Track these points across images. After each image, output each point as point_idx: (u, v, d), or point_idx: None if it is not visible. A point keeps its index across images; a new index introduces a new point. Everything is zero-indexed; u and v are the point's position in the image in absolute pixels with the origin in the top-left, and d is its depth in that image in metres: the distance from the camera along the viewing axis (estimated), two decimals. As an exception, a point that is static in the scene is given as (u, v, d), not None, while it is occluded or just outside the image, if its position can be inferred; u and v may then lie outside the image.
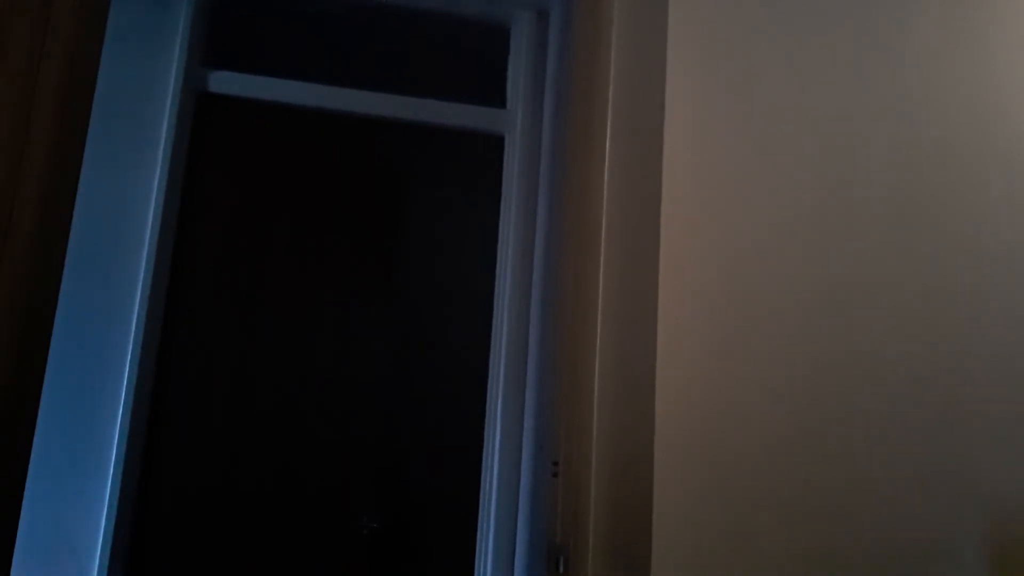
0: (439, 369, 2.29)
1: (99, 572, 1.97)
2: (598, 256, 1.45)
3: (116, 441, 2.03)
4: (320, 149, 2.35)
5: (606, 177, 1.47)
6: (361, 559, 2.16)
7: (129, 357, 2.07)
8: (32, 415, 1.26)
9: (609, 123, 1.49)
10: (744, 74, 1.52)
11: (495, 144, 2.42)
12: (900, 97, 1.57)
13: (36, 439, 1.98)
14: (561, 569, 1.46)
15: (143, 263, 2.12)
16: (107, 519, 1.99)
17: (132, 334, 2.09)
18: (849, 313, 1.47)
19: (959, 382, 1.48)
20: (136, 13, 2.25)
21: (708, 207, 1.46)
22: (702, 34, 1.52)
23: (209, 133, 2.30)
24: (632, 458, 1.36)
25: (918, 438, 1.45)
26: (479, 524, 2.20)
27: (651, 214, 1.44)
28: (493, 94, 2.46)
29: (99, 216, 2.13)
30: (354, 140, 2.37)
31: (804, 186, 1.50)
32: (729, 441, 1.38)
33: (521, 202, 2.34)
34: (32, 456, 1.31)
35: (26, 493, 1.30)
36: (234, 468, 2.14)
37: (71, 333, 2.06)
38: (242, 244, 2.26)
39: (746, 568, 1.34)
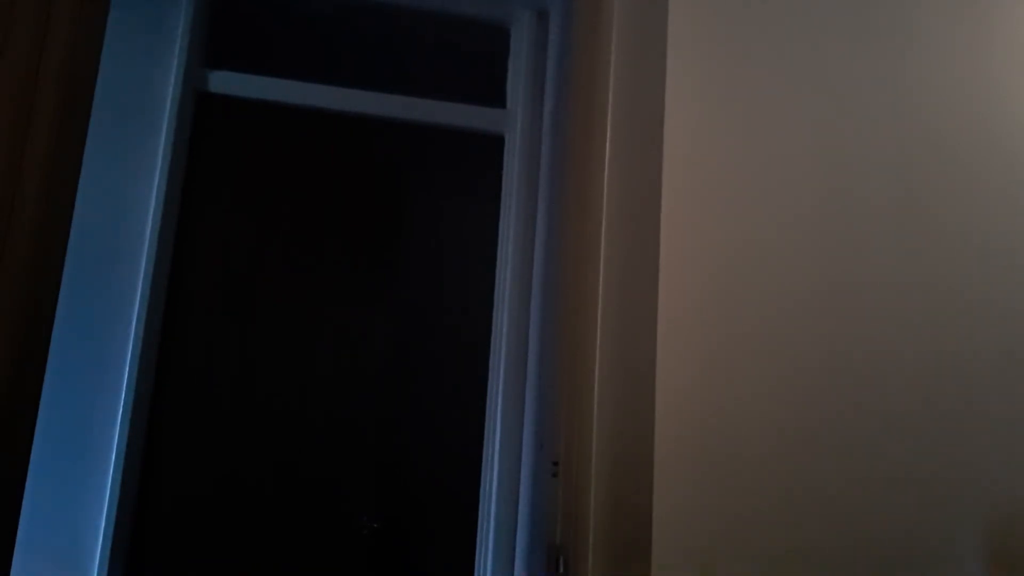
0: (439, 369, 2.29)
1: (99, 572, 1.97)
2: (598, 256, 1.45)
3: (116, 441, 2.03)
4: (320, 149, 2.35)
5: (606, 177, 1.47)
6: (361, 558, 2.16)
7: (129, 357, 2.07)
8: (32, 415, 1.26)
9: (609, 123, 1.49)
10: (744, 74, 1.52)
11: (495, 144, 2.42)
12: (901, 96, 1.58)
13: (36, 439, 1.99)
14: (561, 569, 1.46)
15: (143, 263, 2.12)
16: (107, 519, 1.99)
17: (132, 334, 2.09)
18: (849, 313, 1.47)
19: (959, 382, 1.49)
20: (136, 13, 2.25)
21: (708, 207, 1.46)
22: (702, 34, 1.52)
23: (209, 133, 2.30)
24: (632, 458, 1.36)
25: (918, 438, 1.45)
26: (479, 524, 2.20)
27: (651, 214, 1.44)
28: (493, 94, 2.46)
29: (99, 216, 2.13)
30: (354, 140, 2.37)
31: (804, 185, 1.50)
32: (729, 441, 1.38)
33: (521, 202, 2.34)
34: (32, 456, 1.32)
35: (26, 493, 1.30)
36: (234, 467, 2.15)
37: (71, 333, 2.06)
38: (242, 244, 2.26)
39: (746, 568, 1.34)
